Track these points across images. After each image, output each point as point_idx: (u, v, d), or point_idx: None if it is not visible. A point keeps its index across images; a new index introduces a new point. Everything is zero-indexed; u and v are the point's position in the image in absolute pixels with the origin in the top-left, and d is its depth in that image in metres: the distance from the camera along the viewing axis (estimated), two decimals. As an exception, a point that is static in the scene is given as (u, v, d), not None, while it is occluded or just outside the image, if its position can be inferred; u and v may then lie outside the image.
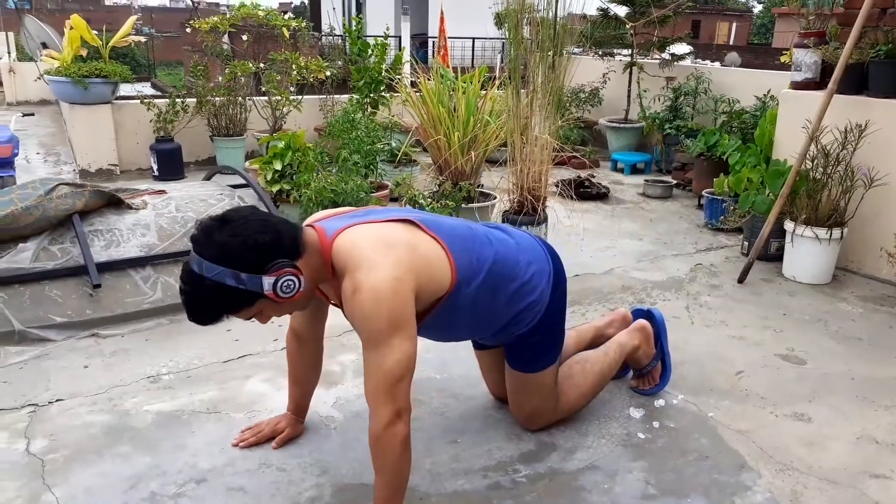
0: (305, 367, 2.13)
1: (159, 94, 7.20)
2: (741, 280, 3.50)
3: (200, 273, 1.62)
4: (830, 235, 3.39)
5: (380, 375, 1.65)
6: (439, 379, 2.51)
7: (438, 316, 1.85)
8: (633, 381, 2.50)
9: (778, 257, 3.66)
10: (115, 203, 3.28)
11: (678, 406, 2.38)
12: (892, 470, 2.05)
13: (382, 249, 1.69)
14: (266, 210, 3.56)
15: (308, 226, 1.82)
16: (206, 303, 1.66)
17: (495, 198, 4.28)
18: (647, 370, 2.45)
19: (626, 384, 2.50)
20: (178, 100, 5.52)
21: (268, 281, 1.64)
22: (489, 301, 1.93)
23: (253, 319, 1.77)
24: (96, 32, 5.73)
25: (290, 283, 1.67)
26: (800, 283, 3.49)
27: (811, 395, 2.46)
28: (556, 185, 4.56)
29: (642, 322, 2.46)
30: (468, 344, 2.32)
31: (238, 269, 1.62)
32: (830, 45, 3.73)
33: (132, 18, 6.22)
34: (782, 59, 4.65)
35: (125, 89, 5.94)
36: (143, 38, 7.74)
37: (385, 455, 1.67)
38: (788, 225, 3.51)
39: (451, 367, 2.58)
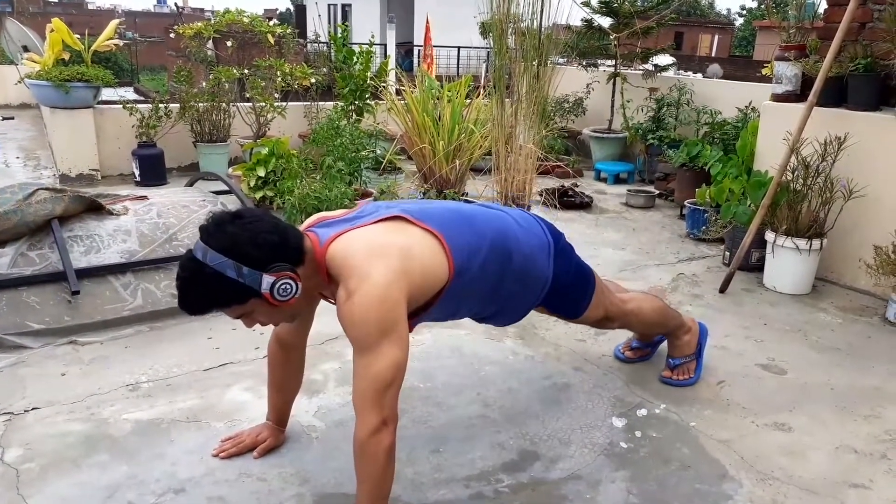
0: (287, 374, 2.11)
1: (142, 99, 7.14)
2: (722, 290, 3.53)
3: (203, 260, 1.63)
4: (810, 246, 3.42)
5: (368, 381, 1.65)
6: (423, 388, 2.50)
7: (444, 303, 1.87)
8: (666, 373, 2.61)
9: (759, 267, 3.70)
10: (95, 208, 3.24)
11: (660, 415, 2.38)
12: (871, 479, 2.07)
13: (374, 258, 1.69)
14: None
15: (304, 232, 1.82)
16: (201, 290, 1.66)
17: (479, 206, 4.29)
18: (684, 361, 2.59)
19: (610, 396, 2.50)
20: (161, 105, 5.48)
21: (267, 280, 1.64)
22: (494, 277, 1.96)
23: (238, 322, 1.76)
24: (78, 36, 5.68)
25: (287, 286, 1.67)
26: (780, 294, 3.52)
27: (791, 404, 2.48)
28: (540, 194, 4.58)
29: (693, 319, 2.68)
30: (452, 352, 2.31)
31: (241, 262, 1.62)
32: (811, 59, 3.78)
33: (114, 22, 6.17)
34: (764, 71, 4.72)
35: (107, 94, 5.90)
36: (125, 42, 7.68)
37: (368, 464, 1.66)
38: (769, 235, 3.54)
39: (434, 376, 2.57)
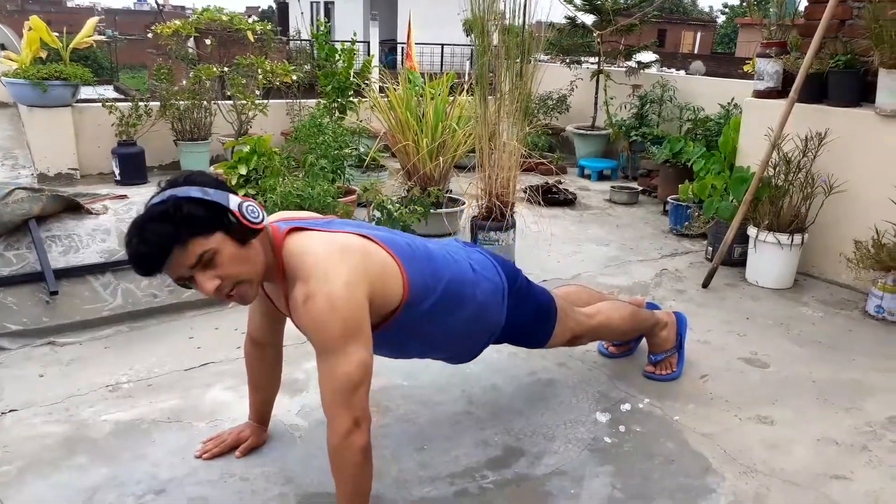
0: (265, 373, 2.09)
1: (122, 97, 7.06)
2: (705, 285, 3.54)
3: (164, 198, 1.55)
4: (792, 241, 3.45)
5: (335, 385, 1.61)
6: (406, 385, 2.49)
7: (389, 333, 1.82)
8: (648, 368, 2.61)
9: (741, 262, 3.72)
10: (73, 208, 3.21)
11: (644, 410, 2.39)
12: (852, 471, 2.08)
13: (336, 255, 1.65)
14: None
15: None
16: (162, 219, 1.53)
17: (464, 203, 4.28)
18: (665, 356, 2.58)
19: (594, 391, 2.51)
20: (141, 103, 5.42)
21: (234, 199, 1.59)
22: (442, 321, 1.91)
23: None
24: (57, 34, 5.60)
25: (253, 208, 1.61)
26: (762, 288, 3.55)
27: (774, 398, 2.49)
28: (524, 191, 4.58)
29: (669, 311, 2.69)
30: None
31: (207, 187, 1.58)
32: (792, 55, 3.81)
33: (93, 19, 6.09)
34: (745, 68, 4.75)
35: (86, 92, 5.81)
36: (104, 38, 7.59)
37: (344, 466, 1.64)
38: (751, 231, 3.57)
39: (418, 374, 2.56)
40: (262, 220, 1.64)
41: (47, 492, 1.88)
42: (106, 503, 1.84)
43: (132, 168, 5.27)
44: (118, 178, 5.27)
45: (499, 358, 2.70)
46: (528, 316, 2.16)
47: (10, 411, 2.26)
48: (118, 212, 3.30)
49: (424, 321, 1.86)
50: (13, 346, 2.66)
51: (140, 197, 3.49)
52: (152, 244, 1.53)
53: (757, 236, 3.52)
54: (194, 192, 1.56)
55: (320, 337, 1.62)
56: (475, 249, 2.15)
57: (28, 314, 2.78)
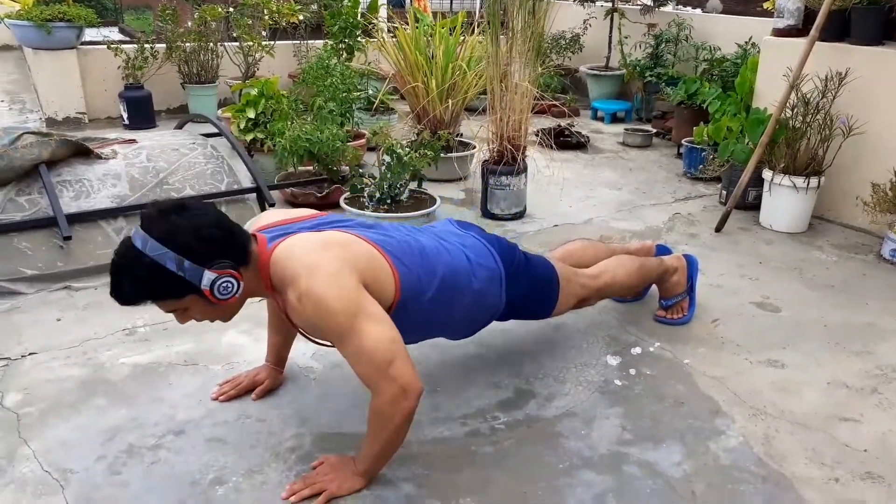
0: None
1: (128, 39, 6.94)
2: (718, 229, 3.52)
3: (142, 250, 1.55)
4: (808, 184, 3.40)
5: (365, 368, 1.62)
6: (418, 329, 2.51)
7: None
8: (660, 312, 2.61)
9: (755, 206, 3.68)
10: (83, 153, 3.19)
11: (654, 353, 2.40)
12: (862, 414, 2.10)
13: (319, 250, 1.65)
14: (241, 159, 3.49)
15: (252, 234, 1.75)
16: (136, 281, 1.58)
17: (475, 147, 4.23)
18: (676, 301, 2.58)
19: (604, 335, 2.52)
20: (146, 45, 5.33)
21: (208, 276, 1.58)
22: (441, 314, 1.90)
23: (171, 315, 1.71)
24: (59, -27, 5.48)
25: (228, 284, 1.61)
26: (776, 232, 3.52)
27: (785, 341, 2.50)
28: (536, 135, 4.52)
29: (679, 255, 2.66)
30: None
31: (182, 255, 1.55)
32: (814, -9, 3.68)
33: (96, -41, 5.95)
34: (765, 5, 4.59)
35: (91, 34, 5.72)
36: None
37: (384, 426, 1.66)
38: (767, 174, 3.51)
39: (430, 318, 2.57)
40: (236, 294, 1.64)
41: (69, 433, 1.93)
42: (126, 444, 1.89)
43: (140, 112, 5.23)
44: (126, 122, 5.24)
45: (510, 302, 2.70)
46: (529, 293, 2.14)
47: (30, 354, 2.30)
48: (128, 156, 3.28)
49: (421, 316, 1.83)
50: (30, 291, 2.70)
51: (149, 141, 3.47)
52: (128, 300, 1.63)
53: (772, 179, 3.47)
54: (170, 263, 1.54)
55: (327, 327, 1.62)
56: (469, 233, 2.10)
57: (43, 259, 2.80)
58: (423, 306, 1.82)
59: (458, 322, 2.01)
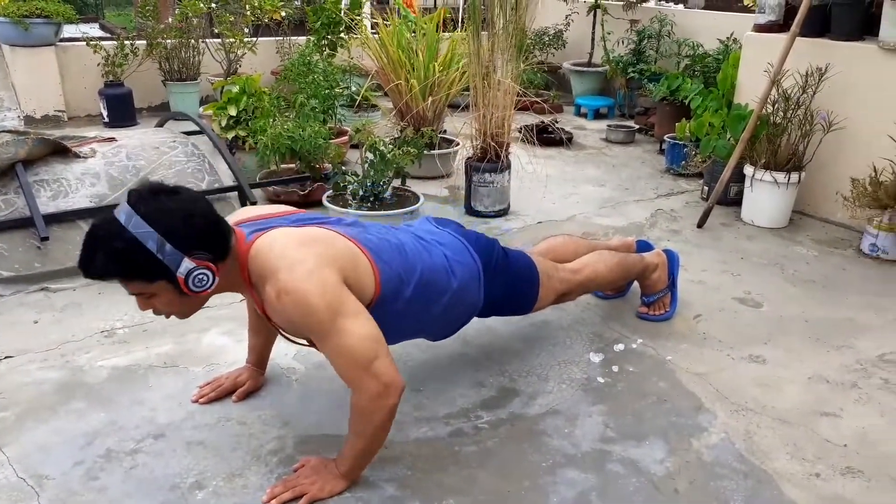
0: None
1: (108, 35, 6.86)
2: (700, 225, 3.53)
3: (125, 225, 1.50)
4: (788, 179, 3.42)
5: (347, 362, 1.60)
6: (401, 328, 2.50)
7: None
8: (642, 309, 2.61)
9: (737, 202, 3.70)
10: (61, 151, 3.14)
11: (637, 350, 2.41)
12: (842, 408, 2.12)
13: (299, 246, 1.63)
14: (223, 157, 3.46)
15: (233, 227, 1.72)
16: (111, 254, 1.51)
17: (458, 144, 4.22)
18: (658, 297, 2.58)
19: (588, 332, 2.52)
20: (127, 42, 5.27)
21: (186, 264, 1.54)
22: (420, 312, 1.88)
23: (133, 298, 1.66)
24: (36, -31, 5.39)
25: (204, 277, 1.57)
26: (758, 227, 3.54)
27: (767, 337, 2.51)
28: (519, 131, 4.51)
29: (659, 251, 2.66)
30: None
31: (166, 238, 1.51)
32: (794, -13, 3.70)
33: (73, -46, 5.87)
34: (746, 1, 4.60)
35: (70, 31, 5.65)
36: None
37: (367, 425, 1.65)
38: (748, 169, 3.53)
39: (413, 316, 2.56)
40: (208, 288, 1.60)
41: (46, 438, 1.90)
42: (105, 448, 1.86)
43: (120, 109, 5.17)
44: (106, 119, 5.18)
45: (493, 300, 2.70)
46: (509, 289, 2.13)
47: (6, 358, 2.26)
48: (107, 155, 3.24)
49: (400, 315, 1.81)
50: (6, 293, 2.66)
51: (129, 139, 3.43)
52: (96, 271, 1.55)
53: (753, 175, 3.49)
54: (151, 243, 1.50)
55: (308, 324, 1.60)
56: (447, 231, 2.08)
57: (19, 260, 2.76)
58: (402, 305, 1.81)
59: (438, 321, 1.99)
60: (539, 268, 2.21)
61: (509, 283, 2.13)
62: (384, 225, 2.02)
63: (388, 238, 1.87)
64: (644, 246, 2.74)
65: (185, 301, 1.63)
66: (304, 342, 1.81)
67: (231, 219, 1.81)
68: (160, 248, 1.51)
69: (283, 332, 1.80)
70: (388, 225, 2.06)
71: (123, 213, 1.52)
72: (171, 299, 1.61)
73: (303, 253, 1.62)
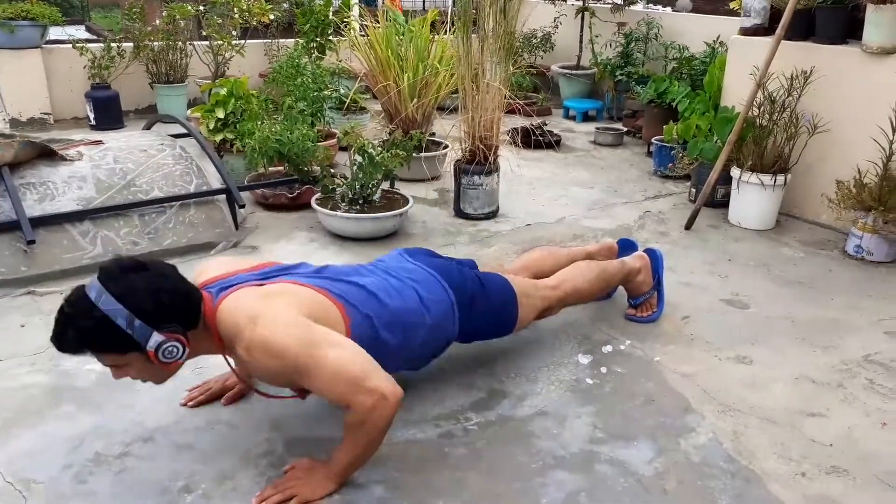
0: None
1: (94, 37, 6.83)
2: (688, 227, 3.56)
3: (95, 302, 1.54)
4: (774, 182, 3.45)
5: (340, 386, 1.61)
6: (391, 330, 2.50)
7: None
8: (629, 311, 2.62)
9: (724, 204, 3.73)
10: (47, 154, 3.13)
11: (625, 351, 2.42)
12: (828, 408, 2.14)
13: (261, 302, 1.67)
14: (211, 160, 3.44)
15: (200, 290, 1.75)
16: (81, 331, 1.55)
17: (447, 147, 4.23)
18: (644, 298, 2.59)
19: (576, 334, 2.53)
20: (113, 44, 5.25)
21: (156, 338, 1.57)
22: (399, 349, 1.89)
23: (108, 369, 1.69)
24: (22, -29, 5.36)
25: (174, 349, 1.60)
26: (745, 229, 3.56)
27: (754, 338, 2.53)
28: (508, 134, 4.53)
29: (641, 253, 2.65)
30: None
31: (135, 314, 1.54)
32: (779, -9, 3.73)
33: (60, -44, 5.83)
34: (732, 4, 4.64)
35: (56, 33, 5.61)
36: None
37: (362, 434, 1.66)
38: (735, 172, 3.56)
39: (402, 319, 2.56)
40: (179, 358, 1.63)
41: (34, 442, 1.89)
42: (93, 452, 1.86)
43: (107, 112, 5.15)
44: (93, 122, 5.15)
45: (483, 302, 2.70)
46: (487, 317, 2.14)
47: (-7, 362, 2.25)
48: (94, 158, 3.22)
49: (376, 355, 1.77)
50: (-8, 297, 2.64)
51: (116, 142, 3.42)
52: (69, 347, 1.59)
53: (740, 177, 3.52)
54: (121, 319, 1.53)
55: (286, 367, 1.62)
56: (419, 266, 2.08)
57: (6, 264, 2.74)
58: (376, 346, 1.79)
59: (415, 354, 2.00)
60: (517, 290, 2.20)
61: (487, 311, 2.13)
62: (353, 266, 2.06)
63: (355, 281, 1.90)
64: (627, 244, 2.75)
65: (160, 370, 1.67)
66: (288, 394, 1.85)
67: (197, 278, 1.84)
68: (129, 324, 1.54)
69: (269, 394, 1.88)
70: (359, 265, 2.08)
71: (94, 290, 1.55)
72: (143, 368, 1.65)
73: (265, 305, 1.65)
